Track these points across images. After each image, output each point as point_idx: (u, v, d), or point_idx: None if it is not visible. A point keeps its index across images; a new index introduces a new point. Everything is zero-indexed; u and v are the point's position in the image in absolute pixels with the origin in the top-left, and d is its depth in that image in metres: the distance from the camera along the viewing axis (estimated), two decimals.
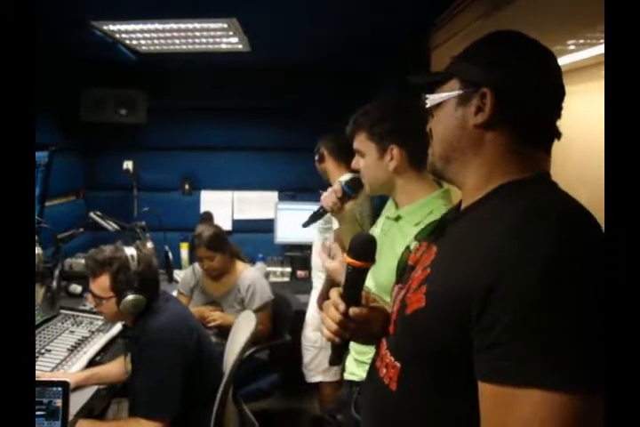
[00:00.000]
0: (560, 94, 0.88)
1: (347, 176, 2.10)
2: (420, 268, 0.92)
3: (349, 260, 0.98)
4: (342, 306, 0.97)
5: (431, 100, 0.95)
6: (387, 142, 1.54)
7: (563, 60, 1.52)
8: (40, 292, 2.50)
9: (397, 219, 1.56)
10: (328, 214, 1.82)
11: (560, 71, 0.89)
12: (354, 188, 1.69)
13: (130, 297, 1.86)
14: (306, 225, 1.83)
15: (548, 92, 0.87)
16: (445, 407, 0.82)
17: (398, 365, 0.89)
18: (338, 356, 1.06)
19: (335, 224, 2.61)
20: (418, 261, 0.97)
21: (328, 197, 1.72)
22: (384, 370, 0.94)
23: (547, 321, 0.67)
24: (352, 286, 0.99)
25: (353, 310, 0.96)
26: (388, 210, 1.73)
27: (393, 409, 0.91)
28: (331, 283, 2.64)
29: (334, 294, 1.00)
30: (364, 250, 0.99)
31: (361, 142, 1.59)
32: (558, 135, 0.89)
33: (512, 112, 0.85)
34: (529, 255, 0.70)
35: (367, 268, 0.99)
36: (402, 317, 0.92)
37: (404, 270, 1.04)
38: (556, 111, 0.87)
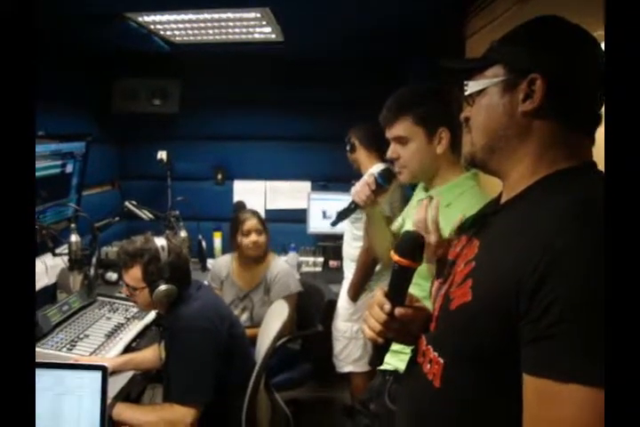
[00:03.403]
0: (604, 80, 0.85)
1: (377, 168, 2.06)
2: (463, 262, 0.89)
3: (397, 258, 0.94)
4: (388, 306, 0.95)
5: (472, 86, 0.91)
6: (436, 125, 1.50)
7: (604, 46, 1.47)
8: (78, 279, 2.56)
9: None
10: None
11: (604, 57, 0.86)
12: (387, 178, 1.64)
13: (162, 287, 1.89)
14: (335, 223, 1.75)
15: (594, 77, 0.84)
16: (491, 405, 0.81)
17: (442, 361, 0.87)
18: (379, 356, 1.03)
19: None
20: (458, 256, 0.94)
21: (361, 191, 1.64)
22: (427, 366, 0.92)
23: (595, 317, 0.65)
24: (398, 286, 0.96)
25: (399, 311, 0.94)
26: (417, 195, 1.71)
27: (436, 406, 0.89)
28: (362, 274, 2.65)
29: (379, 293, 0.98)
30: (412, 249, 0.95)
31: (406, 128, 1.53)
32: (601, 121, 0.86)
33: (561, 98, 0.83)
34: (580, 249, 0.68)
35: (414, 267, 0.95)
36: (445, 312, 0.90)
37: (443, 266, 1.01)
38: (601, 97, 0.84)
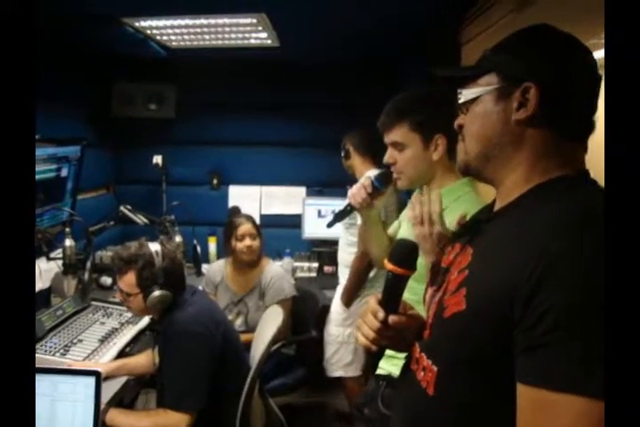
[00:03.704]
0: (597, 88, 0.85)
1: (375, 171, 2.07)
2: (456, 270, 0.89)
3: (391, 266, 0.94)
4: (381, 314, 0.94)
5: (466, 94, 0.91)
6: (432, 132, 1.50)
7: (599, 54, 1.49)
8: (72, 283, 2.55)
9: None
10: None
11: (596, 65, 0.86)
12: (384, 182, 1.62)
13: (156, 293, 1.88)
14: (331, 225, 1.72)
15: (586, 86, 0.85)
16: (486, 409, 0.80)
17: (435, 369, 0.87)
18: (373, 364, 1.03)
19: (360, 220, 2.61)
20: (452, 264, 0.94)
21: (357, 193, 1.62)
22: (421, 373, 0.91)
23: (592, 324, 0.64)
24: (391, 294, 0.96)
25: (392, 318, 0.94)
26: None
27: (430, 413, 0.89)
28: (355, 280, 2.65)
29: (372, 300, 0.97)
30: (406, 257, 0.95)
31: (402, 134, 1.54)
32: (593, 129, 0.86)
33: (554, 107, 0.83)
34: (576, 255, 0.68)
35: (408, 275, 0.95)
36: (439, 320, 0.89)
37: (437, 273, 1.01)
38: (594, 105, 0.85)
